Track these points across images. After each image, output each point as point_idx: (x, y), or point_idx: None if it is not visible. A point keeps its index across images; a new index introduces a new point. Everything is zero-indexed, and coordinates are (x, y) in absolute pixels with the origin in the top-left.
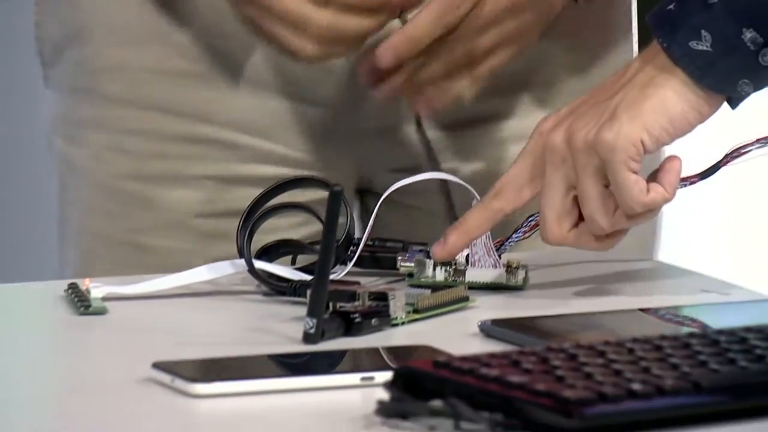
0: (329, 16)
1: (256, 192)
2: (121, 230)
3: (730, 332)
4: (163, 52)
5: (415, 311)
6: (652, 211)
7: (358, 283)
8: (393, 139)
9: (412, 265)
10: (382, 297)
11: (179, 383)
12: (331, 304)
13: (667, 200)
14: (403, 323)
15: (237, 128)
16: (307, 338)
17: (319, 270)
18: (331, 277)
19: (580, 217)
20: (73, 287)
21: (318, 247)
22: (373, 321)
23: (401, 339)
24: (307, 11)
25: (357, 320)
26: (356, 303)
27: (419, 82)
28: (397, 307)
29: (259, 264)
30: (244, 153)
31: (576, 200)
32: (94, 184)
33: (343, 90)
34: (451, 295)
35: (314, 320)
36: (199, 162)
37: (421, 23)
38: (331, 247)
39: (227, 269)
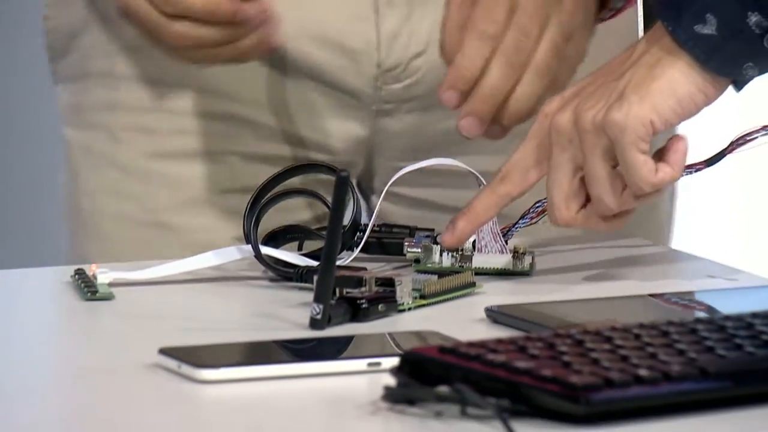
0: (184, 26)
1: (275, 171)
2: (144, 210)
3: (737, 318)
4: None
5: (422, 297)
6: (659, 191)
7: (364, 268)
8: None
9: (419, 250)
10: (388, 283)
11: (186, 369)
12: (337, 290)
13: (675, 179)
14: (409, 309)
15: (257, 105)
16: (314, 324)
17: (326, 256)
18: (338, 263)
19: (587, 199)
20: (79, 273)
21: (325, 232)
22: (380, 307)
23: (408, 325)
24: (161, 22)
25: (364, 306)
26: (363, 289)
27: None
28: (403, 292)
29: (265, 250)
30: (263, 131)
31: (583, 181)
32: (114, 166)
33: (365, 77)
34: (457, 280)
35: (321, 306)
36: (221, 139)
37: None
38: (338, 233)
39: (234, 255)
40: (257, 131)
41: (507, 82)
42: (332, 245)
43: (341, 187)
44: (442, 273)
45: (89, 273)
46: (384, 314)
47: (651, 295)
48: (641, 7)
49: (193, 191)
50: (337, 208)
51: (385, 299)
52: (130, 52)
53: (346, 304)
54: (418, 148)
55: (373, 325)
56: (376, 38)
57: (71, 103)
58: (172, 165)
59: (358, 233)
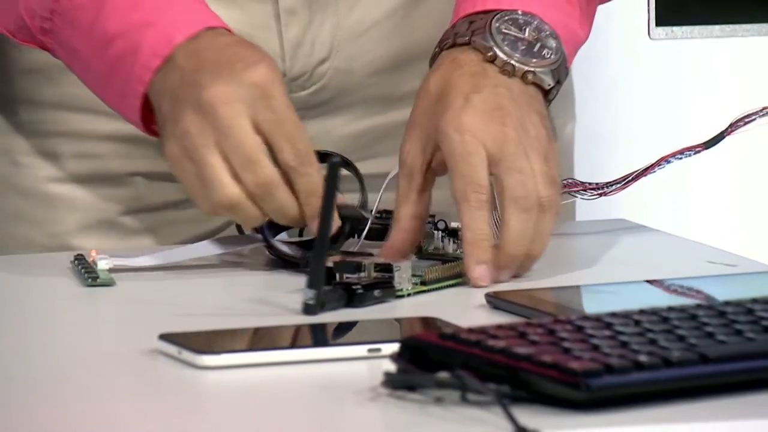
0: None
1: (179, 189)
2: (49, 235)
3: (737, 303)
4: None
5: (423, 283)
6: None
7: (371, 254)
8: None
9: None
10: (387, 269)
11: (187, 355)
12: (337, 276)
13: None
14: (408, 295)
15: None
16: (307, 309)
17: (319, 242)
18: (346, 249)
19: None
20: (79, 259)
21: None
22: (376, 292)
23: (408, 311)
24: (224, 179)
25: (359, 291)
26: (362, 274)
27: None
28: (402, 278)
29: (278, 236)
30: None
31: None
32: (15, 191)
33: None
34: (459, 267)
35: (314, 291)
36: (124, 160)
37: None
38: (330, 219)
39: (241, 243)
40: (161, 150)
41: (527, 225)
42: (324, 231)
43: (332, 173)
44: (444, 259)
45: (89, 259)
46: (380, 300)
47: (651, 281)
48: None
49: (98, 214)
50: (329, 195)
51: (382, 285)
52: (29, 75)
53: (341, 289)
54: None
55: (372, 312)
56: (280, 47)
57: None
58: (76, 188)
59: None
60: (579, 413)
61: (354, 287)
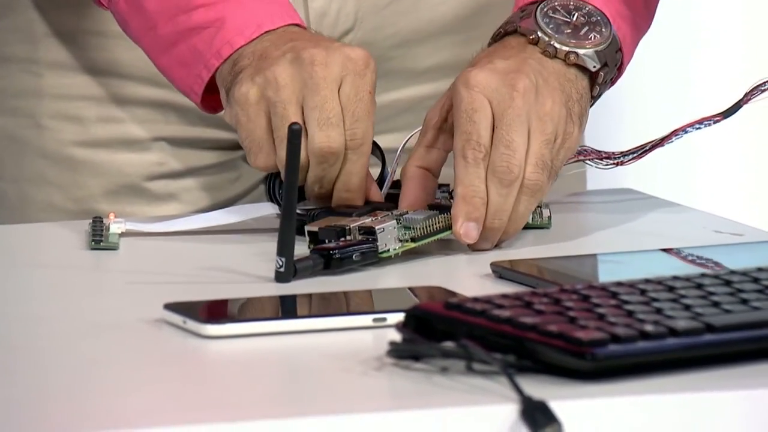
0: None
1: (206, 153)
2: (72, 199)
3: (743, 273)
4: (103, 15)
5: (413, 239)
6: None
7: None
8: None
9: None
10: (371, 231)
11: (191, 324)
12: (326, 242)
13: None
14: (396, 254)
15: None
16: (279, 277)
17: (285, 209)
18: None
19: None
20: (96, 221)
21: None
22: (355, 256)
23: (411, 279)
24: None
25: (336, 256)
26: (348, 238)
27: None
28: (387, 239)
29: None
30: (191, 115)
31: None
32: (39, 154)
33: None
34: (445, 220)
35: (283, 259)
36: (148, 125)
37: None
38: (294, 186)
39: (260, 211)
40: (185, 116)
41: (505, 201)
42: (290, 198)
43: (293, 139)
44: (441, 209)
45: (106, 222)
46: (361, 263)
47: (657, 250)
48: None
49: (122, 178)
50: (291, 160)
51: (362, 248)
52: (55, 38)
53: (317, 255)
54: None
55: (373, 280)
56: (305, 17)
57: None
58: (100, 153)
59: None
60: (585, 383)
61: (331, 252)
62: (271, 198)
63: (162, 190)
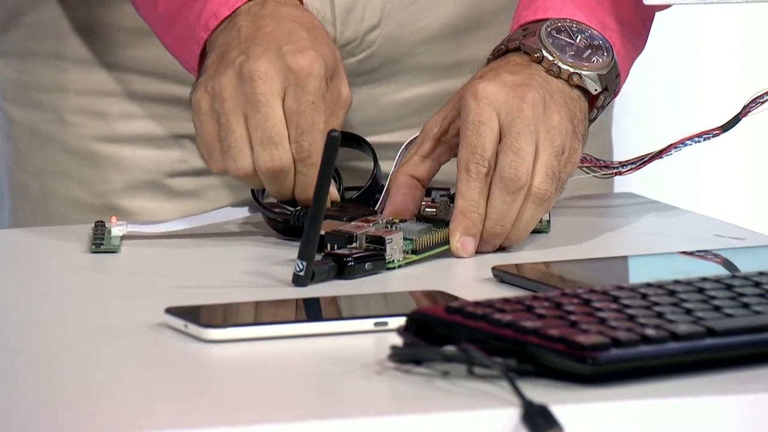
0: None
1: None
2: (94, 194)
3: (744, 277)
4: (130, 11)
5: (413, 252)
6: None
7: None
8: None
9: (434, 211)
10: (379, 240)
11: (193, 328)
12: (329, 246)
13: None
14: (399, 266)
15: None
16: (297, 280)
17: (312, 214)
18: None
19: None
20: (99, 224)
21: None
22: (367, 265)
23: (412, 283)
24: (244, 150)
25: (350, 263)
26: (354, 245)
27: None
28: (393, 249)
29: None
30: None
31: None
32: (62, 148)
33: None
34: (445, 234)
35: (304, 263)
36: (170, 122)
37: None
38: (325, 192)
39: (253, 210)
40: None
41: (510, 207)
42: (319, 203)
43: (330, 147)
44: (435, 221)
45: (107, 226)
46: (371, 272)
47: (658, 255)
48: None
49: (143, 175)
50: (326, 168)
51: (373, 257)
52: (81, 34)
53: (332, 261)
54: (374, 120)
55: (375, 284)
56: (331, 12)
57: (14, 80)
58: (122, 148)
59: (377, 195)
60: (586, 387)
61: (345, 259)
62: (255, 199)
63: (183, 187)
